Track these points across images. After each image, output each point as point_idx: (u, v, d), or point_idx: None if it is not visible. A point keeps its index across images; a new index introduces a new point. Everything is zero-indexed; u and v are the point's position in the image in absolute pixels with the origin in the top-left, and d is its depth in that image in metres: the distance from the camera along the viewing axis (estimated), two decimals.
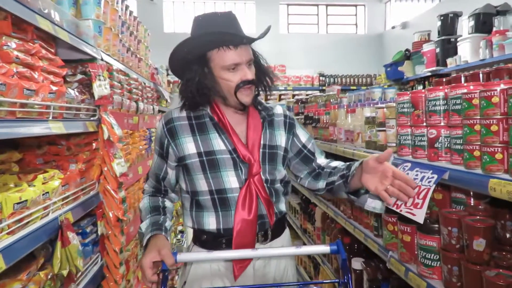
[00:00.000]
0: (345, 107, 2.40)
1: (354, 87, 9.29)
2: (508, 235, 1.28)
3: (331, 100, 3.71)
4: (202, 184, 1.38)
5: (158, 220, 1.39)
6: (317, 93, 5.56)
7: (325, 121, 2.85)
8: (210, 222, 1.39)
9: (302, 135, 1.55)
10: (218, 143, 1.37)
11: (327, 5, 10.68)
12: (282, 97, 9.00)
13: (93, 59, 1.91)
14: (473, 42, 5.28)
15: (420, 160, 1.45)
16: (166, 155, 1.43)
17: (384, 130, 1.77)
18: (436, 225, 1.37)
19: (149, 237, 1.30)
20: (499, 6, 5.38)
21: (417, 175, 1.38)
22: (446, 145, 1.33)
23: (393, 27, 9.96)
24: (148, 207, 1.45)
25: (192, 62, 1.34)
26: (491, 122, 1.05)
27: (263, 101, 1.53)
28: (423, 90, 1.41)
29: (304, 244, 3.57)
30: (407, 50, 7.09)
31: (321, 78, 9.57)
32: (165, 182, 1.48)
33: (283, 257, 1.51)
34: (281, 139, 1.49)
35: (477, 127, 1.11)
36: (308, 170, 1.55)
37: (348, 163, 1.44)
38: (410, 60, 6.98)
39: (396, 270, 1.61)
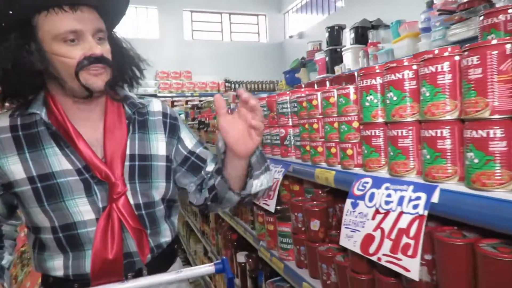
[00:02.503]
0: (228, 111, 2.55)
1: (259, 92, 9.70)
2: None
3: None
4: (41, 220, 1.00)
5: None
6: (211, 98, 5.71)
7: (214, 126, 2.98)
8: (56, 267, 1.03)
9: (189, 138, 1.19)
10: (58, 162, 0.98)
11: (230, 14, 11.01)
12: (187, 103, 9.10)
13: None
14: (354, 52, 5.95)
15: (276, 157, 1.64)
16: None
17: None
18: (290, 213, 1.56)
19: None
20: (373, 21, 6.13)
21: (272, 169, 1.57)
22: (293, 143, 1.53)
23: (290, 37, 10.67)
24: None
25: (8, 31, 0.93)
26: (314, 121, 1.26)
27: (132, 94, 1.14)
28: (273, 95, 1.61)
29: (206, 252, 3.66)
30: (303, 58, 7.66)
31: (226, 84, 9.80)
32: None
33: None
34: (158, 145, 1.10)
35: (307, 126, 1.32)
36: (196, 181, 1.18)
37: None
38: (305, 68, 7.55)
39: (264, 257, 1.78)
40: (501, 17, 0.91)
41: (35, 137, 0.99)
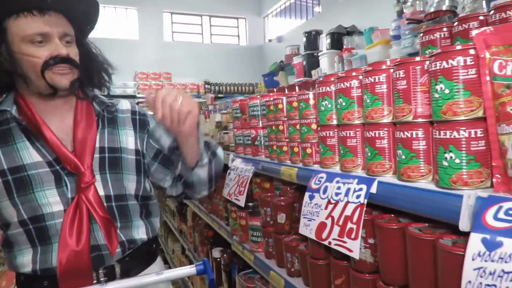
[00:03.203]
0: (204, 113, 2.66)
1: (238, 95, 9.82)
2: None
3: (202, 108, 3.98)
4: (11, 213, 1.02)
5: None
6: None
7: None
8: (25, 263, 1.04)
9: (160, 132, 1.22)
10: (29, 155, 1.03)
11: (210, 16, 11.09)
12: None
13: None
14: (330, 57, 6.15)
15: (248, 156, 1.76)
16: None
17: (227, 133, 2.07)
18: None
19: None
20: (348, 27, 6.35)
21: (242, 168, 1.69)
22: (262, 143, 1.66)
23: (269, 40, 10.86)
24: None
25: None
26: (280, 123, 1.38)
27: (101, 96, 1.20)
28: (246, 98, 1.73)
29: (182, 251, 3.74)
30: (281, 61, 7.83)
31: (206, 86, 9.89)
32: None
33: None
34: (127, 139, 1.15)
35: (274, 128, 1.44)
36: (172, 174, 1.22)
37: None
38: (283, 71, 7.73)
39: (237, 250, 1.90)
40: (437, 34, 1.06)
41: (7, 133, 1.04)
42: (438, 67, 0.71)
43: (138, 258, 1.15)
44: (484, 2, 1.90)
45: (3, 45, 0.99)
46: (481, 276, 0.58)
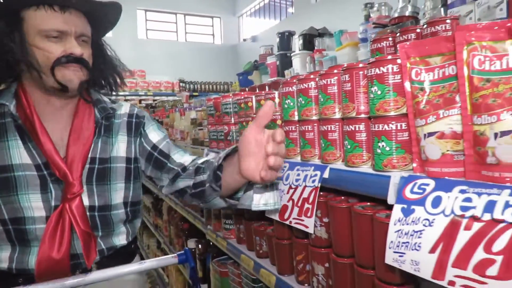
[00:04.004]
0: (179, 110, 2.78)
1: (213, 93, 9.91)
2: None
3: (178, 105, 4.08)
4: None
5: None
6: (165, 98, 5.88)
7: (167, 124, 3.19)
8: (2, 258, 1.02)
9: (155, 134, 1.22)
10: (19, 155, 1.00)
11: (185, 14, 11.12)
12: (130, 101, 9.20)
13: None
14: (302, 58, 6.36)
15: (221, 150, 1.90)
16: None
17: (202, 129, 2.20)
18: None
19: None
20: (320, 29, 6.57)
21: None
22: (235, 138, 1.80)
23: (244, 40, 11.01)
24: None
25: None
26: (249, 119, 1.53)
27: (105, 98, 1.19)
28: (219, 96, 1.86)
29: (159, 244, 3.83)
30: (255, 61, 7.99)
31: (181, 84, 9.91)
32: None
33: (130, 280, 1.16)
34: (119, 147, 1.14)
35: (244, 123, 1.59)
36: (168, 175, 1.19)
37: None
38: (258, 70, 7.89)
39: (211, 238, 2.04)
40: (384, 43, 1.24)
41: (0, 128, 1.02)
42: (373, 73, 0.87)
43: (116, 260, 1.14)
44: (442, 10, 2.11)
45: (17, 34, 0.98)
46: (399, 237, 0.75)
